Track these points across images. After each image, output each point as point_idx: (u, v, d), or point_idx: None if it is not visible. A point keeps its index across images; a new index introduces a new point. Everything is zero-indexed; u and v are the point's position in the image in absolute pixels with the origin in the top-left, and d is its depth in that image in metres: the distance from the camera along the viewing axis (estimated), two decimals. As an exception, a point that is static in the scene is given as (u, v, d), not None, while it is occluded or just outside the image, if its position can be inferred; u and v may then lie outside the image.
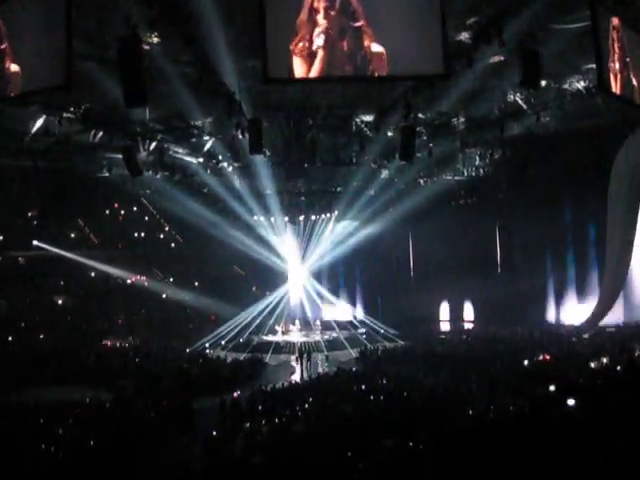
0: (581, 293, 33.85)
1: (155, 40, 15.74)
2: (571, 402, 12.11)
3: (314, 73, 9.93)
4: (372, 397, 17.71)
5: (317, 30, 9.79)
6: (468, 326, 39.46)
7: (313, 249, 41.04)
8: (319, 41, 9.77)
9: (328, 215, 38.26)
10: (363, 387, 19.66)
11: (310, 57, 9.87)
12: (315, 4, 9.81)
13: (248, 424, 15.74)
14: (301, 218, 38.59)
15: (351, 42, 9.91)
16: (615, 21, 11.56)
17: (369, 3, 10.02)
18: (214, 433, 15.28)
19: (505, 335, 30.42)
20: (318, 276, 42.95)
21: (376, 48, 9.94)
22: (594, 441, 8.76)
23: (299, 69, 9.92)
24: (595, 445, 8.52)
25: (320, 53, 9.81)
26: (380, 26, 9.95)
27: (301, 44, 9.81)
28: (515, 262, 38.28)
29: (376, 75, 10.21)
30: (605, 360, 20.33)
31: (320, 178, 30.76)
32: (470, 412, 14.76)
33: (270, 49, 9.90)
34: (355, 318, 39.51)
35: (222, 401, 18.09)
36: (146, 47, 15.23)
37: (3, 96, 10.94)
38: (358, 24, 9.85)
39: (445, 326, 41.26)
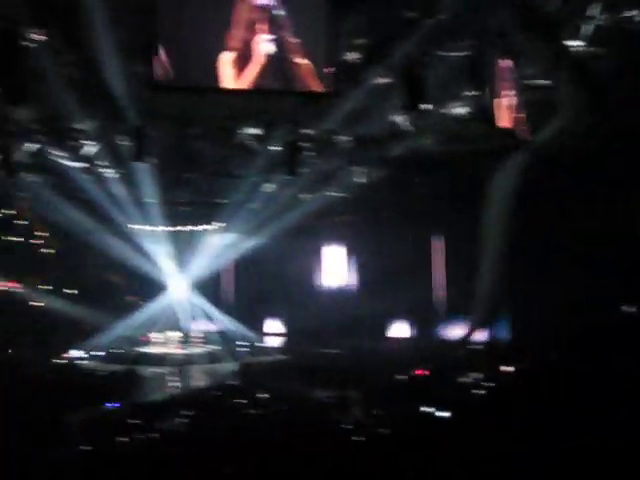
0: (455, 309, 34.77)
1: (37, 37, 15.19)
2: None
3: (244, 84, 10.07)
4: (252, 411, 17.56)
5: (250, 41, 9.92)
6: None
7: (193, 260, 40.48)
8: (254, 53, 9.93)
9: (209, 227, 37.94)
10: (243, 401, 19.47)
11: (239, 68, 9.99)
12: (246, 16, 9.92)
13: (121, 438, 15.30)
14: (182, 228, 38.14)
15: (281, 55, 10.09)
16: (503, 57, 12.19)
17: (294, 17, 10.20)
18: (86, 447, 14.76)
19: (382, 349, 30.92)
20: (197, 287, 42.30)
21: (302, 61, 10.13)
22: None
23: (228, 79, 10.03)
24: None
25: (251, 64, 9.96)
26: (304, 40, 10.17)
27: (230, 54, 9.91)
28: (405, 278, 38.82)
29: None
30: (474, 376, 20.98)
31: (203, 189, 30.42)
32: (346, 426, 14.94)
33: (160, 56, 9.89)
34: (236, 331, 39.06)
35: (94, 414, 17.47)
36: (27, 43, 14.64)
37: None
38: (290, 38, 10.04)
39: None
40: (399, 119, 21.94)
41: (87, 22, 14.07)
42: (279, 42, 10.05)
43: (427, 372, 23.01)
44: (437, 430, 12.26)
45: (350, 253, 39.74)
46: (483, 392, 16.93)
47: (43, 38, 15.22)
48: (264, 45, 10.02)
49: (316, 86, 10.27)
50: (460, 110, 20.46)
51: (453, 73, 17.16)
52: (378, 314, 36.96)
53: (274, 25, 10.07)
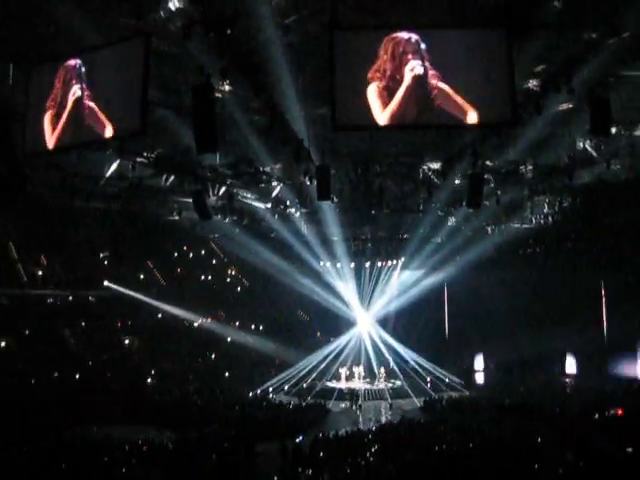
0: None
1: (227, 88, 16.16)
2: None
3: (388, 122, 10.29)
4: (436, 448, 17.33)
5: (395, 84, 10.18)
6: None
7: (379, 296, 40.88)
8: (398, 94, 10.16)
9: (394, 262, 38.23)
10: (427, 437, 19.26)
11: (385, 99, 10.24)
12: (388, 65, 10.20)
13: (310, 471, 15.61)
14: (367, 265, 38.68)
15: (424, 95, 10.21)
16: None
17: (440, 58, 10.29)
18: (275, 478, 15.21)
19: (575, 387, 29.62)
20: (383, 323, 42.55)
21: (446, 100, 10.21)
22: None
23: (377, 118, 10.31)
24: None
25: (395, 105, 10.17)
26: (451, 79, 10.22)
27: (376, 86, 10.19)
28: (593, 313, 37.11)
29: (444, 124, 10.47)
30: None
31: (387, 225, 30.79)
32: (536, 467, 14.35)
33: (340, 98, 10.24)
34: (419, 366, 38.77)
35: (284, 446, 17.95)
36: (218, 95, 15.60)
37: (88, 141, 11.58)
38: (432, 81, 10.17)
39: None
40: (585, 145, 21.14)
41: (272, 70, 14.84)
42: (425, 71, 10.18)
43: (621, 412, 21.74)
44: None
45: (537, 285, 38.46)
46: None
47: (232, 88, 16.25)
48: (413, 74, 10.17)
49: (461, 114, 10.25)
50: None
51: (639, 92, 16.37)
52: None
53: (421, 56, 10.22)
